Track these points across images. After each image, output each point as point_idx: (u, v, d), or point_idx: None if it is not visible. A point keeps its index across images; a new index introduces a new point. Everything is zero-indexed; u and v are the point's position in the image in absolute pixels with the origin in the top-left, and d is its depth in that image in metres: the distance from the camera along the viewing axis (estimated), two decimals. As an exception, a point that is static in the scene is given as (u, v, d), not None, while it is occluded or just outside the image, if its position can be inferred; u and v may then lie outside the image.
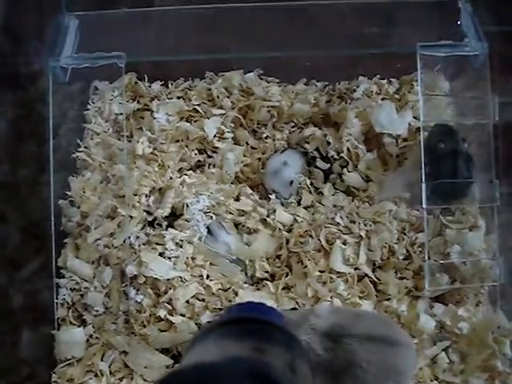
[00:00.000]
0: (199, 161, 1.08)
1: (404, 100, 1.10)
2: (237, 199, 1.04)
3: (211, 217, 1.00)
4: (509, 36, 1.01)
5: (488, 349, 0.92)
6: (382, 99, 1.09)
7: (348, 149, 1.05)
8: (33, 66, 1.04)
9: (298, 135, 1.09)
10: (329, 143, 1.05)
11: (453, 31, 0.99)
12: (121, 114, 1.09)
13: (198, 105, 1.11)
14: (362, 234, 0.97)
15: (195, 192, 1.00)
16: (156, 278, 0.94)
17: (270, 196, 1.03)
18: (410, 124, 1.05)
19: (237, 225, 1.02)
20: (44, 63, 0.98)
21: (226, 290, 0.97)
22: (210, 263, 0.98)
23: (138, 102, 1.13)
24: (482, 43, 0.96)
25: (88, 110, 1.12)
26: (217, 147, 1.08)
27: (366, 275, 0.96)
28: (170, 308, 0.94)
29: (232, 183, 1.06)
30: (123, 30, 1.05)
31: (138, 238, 0.97)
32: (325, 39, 1.05)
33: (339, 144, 1.05)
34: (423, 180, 0.93)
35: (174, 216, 1.00)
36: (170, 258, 0.96)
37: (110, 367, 0.93)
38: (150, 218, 0.99)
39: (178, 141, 1.08)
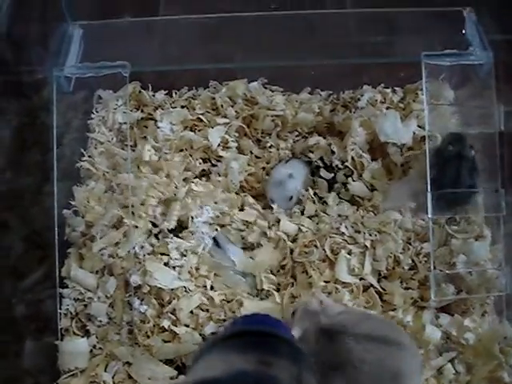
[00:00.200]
0: (204, 170, 1.08)
1: (408, 109, 1.10)
2: (241, 209, 1.04)
3: (216, 229, 0.99)
4: (514, 45, 1.01)
5: (494, 360, 0.91)
6: (387, 108, 1.09)
7: (352, 158, 1.04)
8: (37, 74, 1.05)
9: (303, 144, 1.09)
10: (333, 152, 1.05)
11: (457, 40, 0.99)
12: (125, 123, 1.10)
13: (202, 114, 1.11)
14: (367, 243, 0.96)
15: (200, 203, 1.00)
16: (160, 288, 0.93)
17: (271, 205, 1.03)
18: (414, 133, 1.04)
19: (242, 237, 1.01)
20: (48, 72, 0.97)
21: (229, 302, 0.96)
22: (215, 274, 0.98)
23: (142, 111, 1.13)
24: (486, 52, 0.96)
25: (92, 119, 1.12)
26: (221, 156, 1.08)
27: (372, 285, 0.96)
28: (174, 318, 0.93)
29: (236, 193, 1.06)
30: (127, 39, 1.06)
31: (142, 247, 0.97)
32: (329, 48, 1.05)
33: (344, 153, 1.05)
34: (429, 189, 0.92)
35: (180, 227, 0.99)
36: (174, 268, 0.96)
37: (113, 378, 0.93)
38: (155, 231, 0.99)
39: (182, 150, 1.08)
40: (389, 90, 1.13)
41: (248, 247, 1.01)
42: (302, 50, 1.07)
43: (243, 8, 1.05)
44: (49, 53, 1.01)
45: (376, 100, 1.11)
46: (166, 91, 1.15)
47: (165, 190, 1.01)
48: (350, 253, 0.96)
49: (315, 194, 1.05)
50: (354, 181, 1.04)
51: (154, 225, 0.99)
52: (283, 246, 0.99)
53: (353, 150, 1.04)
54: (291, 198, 1.03)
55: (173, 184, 1.02)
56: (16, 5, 1.00)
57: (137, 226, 0.97)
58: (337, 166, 1.05)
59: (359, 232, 0.98)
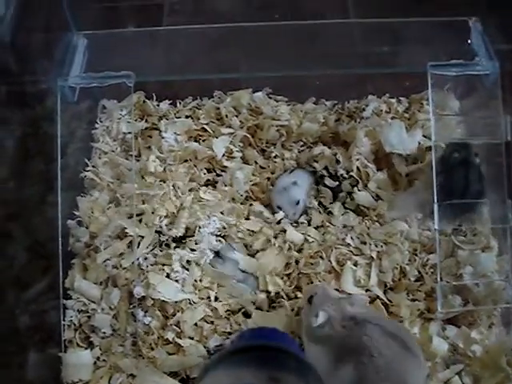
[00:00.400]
0: (208, 180, 1.08)
1: (414, 119, 1.09)
2: (247, 218, 1.03)
3: (220, 240, 0.99)
4: (520, 55, 1.01)
5: (501, 372, 0.90)
6: (392, 118, 1.09)
7: (358, 168, 1.04)
8: (41, 84, 1.05)
9: (307, 154, 1.09)
10: (338, 162, 1.05)
11: (463, 50, 0.99)
12: (129, 133, 1.09)
13: (207, 124, 1.11)
14: (373, 255, 0.96)
15: (209, 213, 1.00)
16: (164, 301, 0.93)
17: (276, 214, 1.02)
18: (419, 143, 1.04)
19: (246, 245, 1.01)
20: (52, 82, 0.97)
21: (234, 312, 0.96)
22: (218, 284, 0.97)
23: (146, 120, 1.13)
24: (493, 62, 0.95)
25: (96, 129, 1.12)
26: (226, 166, 1.07)
27: (378, 297, 0.95)
28: (178, 330, 0.92)
29: (241, 203, 1.05)
30: (132, 49, 1.06)
31: (146, 259, 0.96)
32: (334, 58, 1.05)
33: (349, 163, 1.05)
34: (435, 201, 0.92)
35: (185, 236, 0.99)
36: (177, 280, 0.95)
37: (117, 390, 0.92)
38: (163, 238, 0.98)
39: (186, 160, 1.08)
40: (394, 100, 1.13)
41: (252, 254, 1.00)
42: (307, 59, 1.06)
43: (247, 18, 1.05)
44: (53, 62, 1.01)
45: (381, 110, 1.11)
46: (171, 101, 1.15)
47: (171, 199, 1.00)
48: (355, 264, 0.96)
49: (320, 203, 1.04)
50: (359, 190, 1.03)
51: (160, 234, 0.98)
52: (288, 252, 0.98)
53: (358, 160, 1.04)
54: (298, 202, 1.02)
55: (178, 194, 1.02)
56: (20, 14, 1.00)
57: (142, 236, 0.97)
58: (342, 175, 1.04)
59: (365, 243, 0.98)
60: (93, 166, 1.07)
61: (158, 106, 1.14)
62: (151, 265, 0.96)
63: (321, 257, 0.97)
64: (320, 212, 1.03)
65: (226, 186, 1.06)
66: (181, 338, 0.92)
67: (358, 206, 1.04)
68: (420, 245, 0.98)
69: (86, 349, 0.94)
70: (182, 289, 0.94)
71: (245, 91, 1.13)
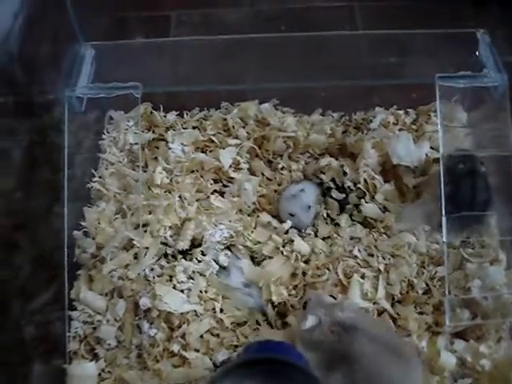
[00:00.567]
0: (215, 190, 1.07)
1: (421, 131, 1.09)
2: (254, 229, 1.03)
3: (227, 254, 0.98)
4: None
5: (510, 386, 0.89)
6: (399, 130, 1.09)
7: (365, 180, 1.03)
8: (48, 95, 1.04)
9: (314, 166, 1.08)
10: (345, 173, 1.04)
11: (471, 62, 0.98)
12: (136, 143, 1.09)
13: (214, 135, 1.11)
14: (381, 267, 0.95)
15: (215, 221, 0.99)
16: (170, 312, 0.92)
17: (283, 224, 1.01)
18: (427, 155, 1.04)
19: (253, 254, 1.00)
20: (60, 93, 0.97)
21: (239, 324, 0.95)
22: (223, 296, 0.96)
23: (153, 131, 1.13)
24: (501, 74, 0.94)
25: (103, 139, 1.12)
26: (232, 177, 1.07)
27: (385, 310, 0.94)
28: (184, 343, 0.92)
29: (249, 215, 1.05)
30: (139, 60, 1.06)
31: (152, 270, 0.96)
32: (341, 70, 1.05)
33: (356, 175, 1.04)
34: (443, 213, 0.91)
35: (192, 246, 0.99)
36: (182, 291, 0.94)
37: (122, 402, 0.91)
38: (169, 251, 0.98)
39: (193, 171, 1.08)
40: (401, 112, 1.13)
41: (258, 262, 1.00)
42: (314, 71, 1.06)
43: (254, 29, 1.06)
44: (61, 73, 1.01)
45: (388, 122, 1.11)
46: (178, 112, 1.16)
47: (175, 211, 1.00)
48: (363, 276, 0.95)
49: (327, 215, 1.04)
50: (366, 202, 1.03)
51: (166, 245, 0.98)
52: (295, 262, 0.97)
53: (365, 171, 1.04)
54: (309, 207, 1.02)
55: (185, 205, 1.02)
56: (28, 25, 1.00)
57: (148, 248, 0.96)
58: (349, 187, 1.04)
59: (372, 255, 0.97)
60: (99, 177, 1.07)
61: (165, 116, 1.14)
62: (158, 276, 0.96)
63: (328, 268, 0.96)
64: (327, 223, 1.03)
65: (233, 196, 1.05)
66: (186, 351, 0.91)
67: (366, 217, 1.03)
68: (428, 257, 0.97)
69: (90, 360, 0.93)
70: (188, 299, 0.94)
71: (252, 102, 1.13)
